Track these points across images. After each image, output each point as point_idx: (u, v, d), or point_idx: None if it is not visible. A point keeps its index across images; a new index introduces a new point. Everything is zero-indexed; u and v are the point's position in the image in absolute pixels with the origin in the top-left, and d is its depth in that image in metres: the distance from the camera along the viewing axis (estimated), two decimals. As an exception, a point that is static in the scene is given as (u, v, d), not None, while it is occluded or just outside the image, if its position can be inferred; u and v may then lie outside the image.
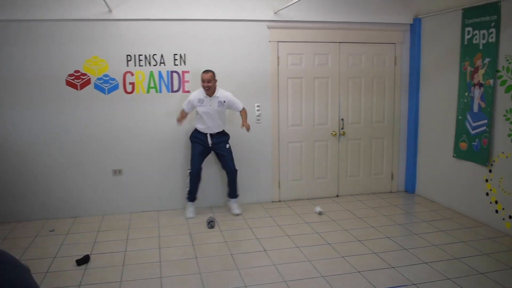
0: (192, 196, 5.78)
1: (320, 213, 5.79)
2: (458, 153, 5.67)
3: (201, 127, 5.62)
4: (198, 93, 5.57)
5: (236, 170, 5.78)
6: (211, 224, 5.39)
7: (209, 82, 5.42)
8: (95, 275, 4.16)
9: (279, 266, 4.27)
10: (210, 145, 5.65)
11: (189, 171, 5.71)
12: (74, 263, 4.37)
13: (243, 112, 5.67)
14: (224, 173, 6.00)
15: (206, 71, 5.49)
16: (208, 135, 5.62)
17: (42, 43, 5.48)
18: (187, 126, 5.81)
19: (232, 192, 5.89)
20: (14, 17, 5.34)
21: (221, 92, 5.58)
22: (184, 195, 5.86)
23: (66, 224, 5.58)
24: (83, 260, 4.43)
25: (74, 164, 5.75)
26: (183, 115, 5.60)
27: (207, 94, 5.50)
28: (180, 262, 4.43)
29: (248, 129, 5.58)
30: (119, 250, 4.73)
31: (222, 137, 5.71)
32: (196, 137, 5.67)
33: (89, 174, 5.81)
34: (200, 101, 5.53)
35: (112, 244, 4.93)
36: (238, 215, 5.80)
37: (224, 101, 5.56)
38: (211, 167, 6.05)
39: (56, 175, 5.71)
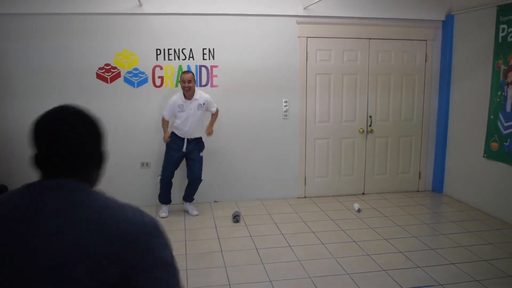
0: (164, 199, 5.70)
1: (358, 210, 5.77)
2: (489, 153, 5.57)
3: (179, 132, 5.44)
4: (176, 98, 5.39)
5: (200, 179, 5.64)
6: (236, 218, 5.44)
7: (189, 83, 5.25)
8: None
9: (304, 262, 4.29)
10: (184, 151, 5.49)
11: (159, 177, 5.63)
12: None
13: (215, 115, 5.59)
14: (249, 166, 6.06)
15: (186, 72, 5.38)
16: (185, 140, 5.45)
17: (73, 37, 5.59)
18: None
19: (189, 196, 5.76)
20: (47, 11, 5.46)
21: (200, 94, 5.43)
22: (214, 187, 5.94)
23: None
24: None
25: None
26: (164, 126, 5.51)
27: (186, 97, 5.34)
28: (206, 255, 4.49)
29: (209, 134, 5.56)
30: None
31: (197, 144, 5.55)
32: (173, 141, 5.48)
33: (118, 166, 5.91)
34: (180, 106, 5.35)
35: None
36: (197, 215, 5.70)
37: (203, 103, 5.42)
38: (233, 161, 6.09)
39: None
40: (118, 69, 5.76)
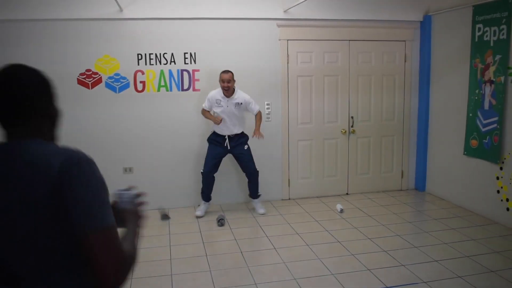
0: (205, 195, 5.74)
1: (341, 211, 5.74)
2: (469, 151, 5.60)
3: (218, 129, 5.53)
4: (216, 93, 5.49)
5: (257, 172, 5.71)
6: (221, 222, 5.38)
7: (228, 83, 5.32)
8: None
9: (289, 263, 4.25)
10: (228, 148, 5.56)
11: (201, 171, 5.67)
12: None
13: (258, 116, 5.59)
14: (235, 171, 6.01)
15: (226, 71, 5.39)
16: (226, 137, 5.54)
17: (54, 42, 5.49)
18: (202, 127, 5.84)
19: (254, 193, 5.82)
20: (27, 17, 5.36)
21: (239, 94, 5.48)
22: (196, 193, 5.87)
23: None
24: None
25: (86, 162, 5.76)
26: (207, 114, 5.55)
27: (225, 95, 5.44)
28: (191, 260, 4.42)
29: (259, 137, 5.55)
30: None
31: (240, 138, 5.59)
32: (214, 139, 5.59)
33: (100, 171, 5.81)
34: (218, 101, 5.45)
35: (123, 241, 4.93)
36: (263, 214, 5.74)
37: (241, 103, 5.46)
38: (222, 166, 6.03)
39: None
40: (100, 75, 5.67)
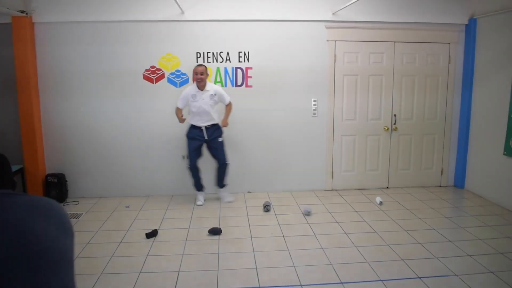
0: (197, 186, 5.79)
1: (380, 203, 5.69)
2: (509, 151, 5.37)
3: (196, 122, 5.53)
4: (190, 89, 5.50)
5: (226, 164, 5.70)
6: (267, 208, 5.47)
7: (202, 75, 5.35)
8: (161, 247, 4.38)
9: (327, 250, 4.27)
10: (206, 138, 5.57)
11: (188, 166, 5.69)
12: (144, 236, 4.62)
13: (228, 107, 5.62)
14: (280, 160, 6.09)
15: (199, 65, 5.47)
16: (203, 128, 5.53)
17: (125, 42, 5.77)
18: (256, 116, 5.92)
19: (220, 182, 5.84)
20: (101, 19, 5.66)
21: (211, 86, 5.52)
22: (246, 178, 5.96)
23: (140, 201, 5.87)
24: (152, 234, 4.66)
25: (149, 149, 6.03)
26: (178, 112, 5.56)
27: (198, 87, 5.44)
28: (237, 241, 4.54)
29: (224, 126, 5.60)
30: (183, 227, 4.92)
31: (216, 130, 5.60)
32: (193, 132, 5.58)
33: (162, 157, 6.06)
34: (193, 96, 5.45)
35: (178, 221, 5.13)
36: (231, 202, 5.79)
37: (215, 94, 5.50)
38: (265, 155, 6.11)
39: (133, 158, 6.02)
40: (162, 71, 5.88)
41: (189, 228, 4.91)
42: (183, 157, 5.81)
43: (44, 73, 5.75)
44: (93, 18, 5.65)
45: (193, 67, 5.83)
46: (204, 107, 5.46)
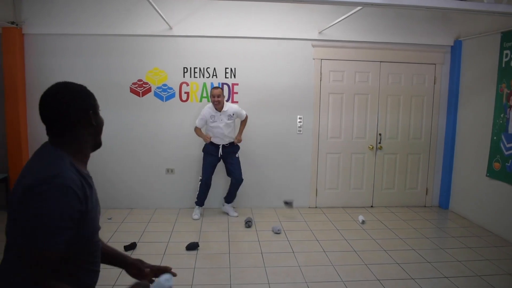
0: (200, 201, 5.74)
1: (363, 222, 5.59)
2: (491, 173, 5.29)
3: (213, 140, 5.53)
4: (208, 109, 5.49)
5: (241, 180, 5.65)
6: (248, 224, 5.36)
7: (219, 97, 5.35)
8: (137, 261, 4.25)
9: (304, 267, 4.16)
10: (220, 155, 5.57)
11: (200, 179, 5.68)
12: (122, 248, 4.51)
13: (244, 121, 5.62)
14: (264, 176, 6.00)
15: (216, 87, 5.45)
16: (220, 146, 5.54)
17: (112, 55, 5.73)
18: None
19: (230, 198, 5.80)
20: (89, 32, 5.64)
21: (229, 106, 5.51)
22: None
23: (122, 214, 5.76)
24: (130, 247, 4.55)
25: (133, 162, 5.94)
26: (199, 132, 5.55)
27: (216, 109, 5.44)
28: (214, 256, 4.43)
29: (238, 142, 5.58)
30: (163, 241, 4.81)
31: (232, 147, 5.60)
32: (209, 148, 5.56)
33: (146, 171, 5.98)
34: (212, 117, 5.46)
35: (158, 234, 5.02)
36: (236, 217, 5.72)
37: (233, 114, 5.49)
38: (249, 171, 6.02)
39: (117, 170, 5.92)
40: (149, 85, 5.84)
41: (168, 242, 4.80)
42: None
43: (32, 83, 5.70)
44: (82, 31, 5.63)
45: (179, 82, 5.83)
46: (223, 128, 5.46)
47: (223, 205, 5.90)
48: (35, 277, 1.28)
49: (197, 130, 5.56)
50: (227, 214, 5.81)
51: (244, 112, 5.60)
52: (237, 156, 5.66)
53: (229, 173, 5.69)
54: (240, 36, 5.81)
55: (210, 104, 5.51)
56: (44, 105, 1.44)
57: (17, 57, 5.56)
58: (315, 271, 4.09)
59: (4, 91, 5.56)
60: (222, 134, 5.47)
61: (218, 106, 5.41)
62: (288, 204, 5.84)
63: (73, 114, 1.47)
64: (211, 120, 5.48)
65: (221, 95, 5.38)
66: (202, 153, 5.67)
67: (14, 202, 1.36)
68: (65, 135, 1.47)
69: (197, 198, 5.75)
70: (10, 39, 5.53)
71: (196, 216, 5.68)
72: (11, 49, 5.54)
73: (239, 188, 5.74)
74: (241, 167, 5.67)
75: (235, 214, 5.78)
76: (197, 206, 5.77)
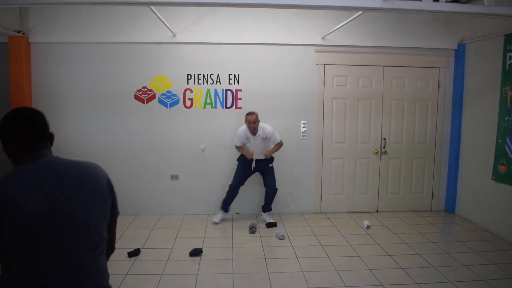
0: (225, 206, 5.75)
1: (368, 227, 5.53)
2: (497, 176, 5.21)
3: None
4: (243, 130, 5.50)
5: (275, 189, 5.67)
6: (252, 229, 5.33)
7: (254, 123, 5.36)
8: (141, 266, 4.25)
9: (307, 273, 4.11)
10: (253, 168, 5.59)
11: (230, 184, 5.68)
12: (126, 255, 4.49)
13: (278, 145, 5.59)
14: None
15: (250, 113, 5.41)
16: (254, 160, 5.56)
17: (117, 62, 5.76)
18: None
19: (267, 207, 5.78)
20: (94, 40, 5.68)
21: (263, 129, 5.48)
22: (234, 202, 5.83)
23: (127, 220, 5.75)
24: (134, 253, 4.53)
25: (137, 168, 5.94)
26: (240, 149, 5.60)
27: (251, 132, 5.46)
28: (218, 262, 4.40)
29: (265, 156, 5.52)
30: (167, 247, 4.79)
31: (266, 160, 5.59)
32: (243, 159, 5.60)
33: (150, 177, 5.97)
34: (247, 139, 5.51)
35: (162, 241, 5.00)
36: (274, 223, 5.67)
37: (266, 137, 5.50)
38: (253, 177, 5.99)
39: (122, 176, 5.91)
40: (154, 91, 5.85)
41: (172, 248, 4.77)
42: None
43: (39, 91, 5.73)
44: (87, 39, 5.66)
45: (183, 88, 5.84)
46: (257, 150, 5.52)
47: (261, 214, 5.88)
48: None
49: (238, 148, 5.62)
50: (264, 221, 5.75)
51: (278, 138, 5.56)
52: (270, 165, 5.66)
53: (264, 183, 5.73)
54: (243, 42, 5.81)
55: (245, 126, 5.51)
56: (35, 122, 1.75)
57: (23, 65, 5.61)
58: (319, 277, 4.03)
59: (11, 99, 5.59)
60: (256, 152, 5.51)
61: (253, 131, 5.45)
62: (271, 224, 5.63)
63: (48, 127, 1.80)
64: (246, 141, 5.54)
65: (256, 121, 5.39)
66: (237, 162, 5.70)
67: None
68: (47, 144, 1.81)
69: (222, 203, 5.76)
70: (16, 48, 5.59)
71: (216, 220, 5.70)
72: (18, 58, 5.60)
73: (272, 197, 5.72)
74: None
75: (272, 220, 5.72)
76: (221, 211, 5.77)
